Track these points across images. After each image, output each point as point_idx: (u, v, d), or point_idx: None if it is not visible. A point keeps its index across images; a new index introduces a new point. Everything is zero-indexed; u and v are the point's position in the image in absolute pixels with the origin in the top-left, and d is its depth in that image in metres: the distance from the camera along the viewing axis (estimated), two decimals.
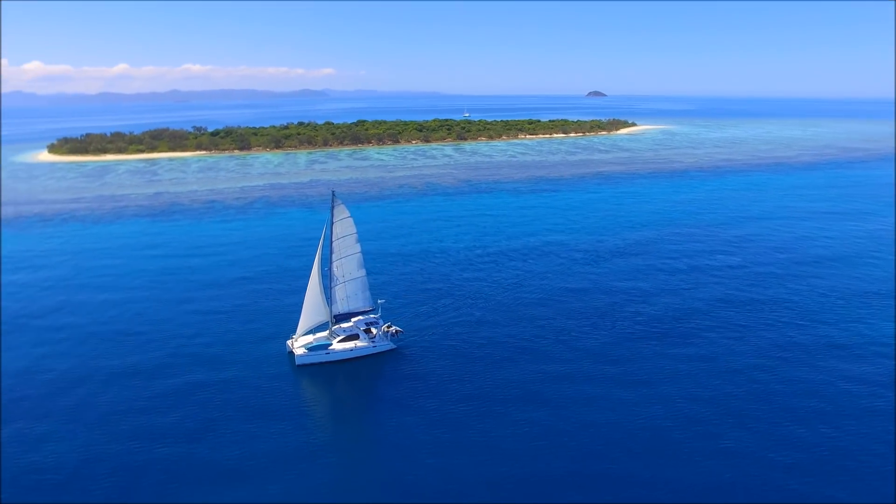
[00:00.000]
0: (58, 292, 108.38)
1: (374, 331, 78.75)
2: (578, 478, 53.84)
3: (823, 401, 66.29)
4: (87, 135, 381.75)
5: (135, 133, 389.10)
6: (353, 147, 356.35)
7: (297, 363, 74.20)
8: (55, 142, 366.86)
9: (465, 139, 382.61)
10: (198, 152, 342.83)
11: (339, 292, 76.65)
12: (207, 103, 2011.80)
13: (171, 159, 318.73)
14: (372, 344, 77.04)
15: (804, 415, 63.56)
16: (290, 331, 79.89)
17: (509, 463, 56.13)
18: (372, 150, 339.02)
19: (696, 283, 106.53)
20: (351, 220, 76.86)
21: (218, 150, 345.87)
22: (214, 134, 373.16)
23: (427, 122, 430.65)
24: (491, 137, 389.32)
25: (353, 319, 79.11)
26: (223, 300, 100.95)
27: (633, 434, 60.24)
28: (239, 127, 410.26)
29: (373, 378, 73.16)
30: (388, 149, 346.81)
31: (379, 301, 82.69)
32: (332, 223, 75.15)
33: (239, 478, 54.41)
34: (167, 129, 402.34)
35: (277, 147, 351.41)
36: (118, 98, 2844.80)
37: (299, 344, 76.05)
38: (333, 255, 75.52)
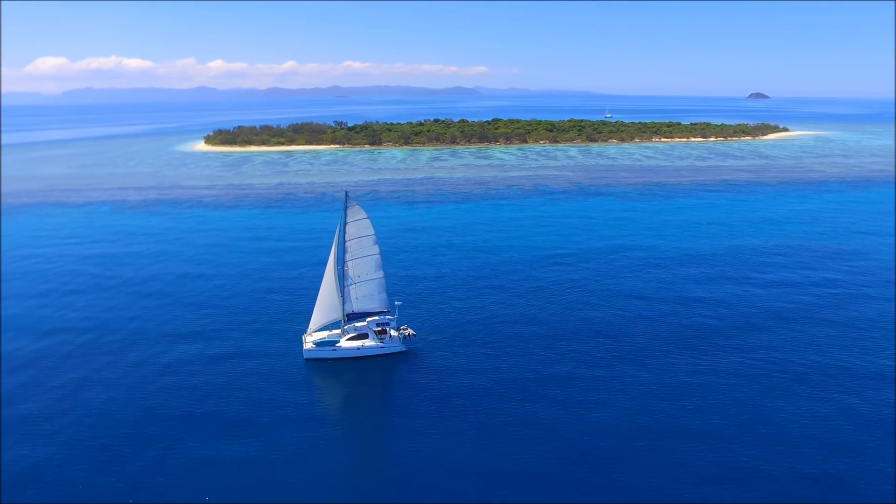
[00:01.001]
0: (161, 264, 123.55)
1: (391, 332, 78.76)
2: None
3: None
4: (239, 127, 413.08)
5: (281, 126, 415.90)
6: (480, 145, 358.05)
7: (304, 357, 76.13)
8: (211, 133, 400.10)
9: (595, 141, 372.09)
10: (332, 146, 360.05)
11: (353, 292, 77.22)
12: (363, 99, 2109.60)
13: (305, 152, 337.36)
14: (380, 344, 77.12)
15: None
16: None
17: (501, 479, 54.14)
18: (497, 150, 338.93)
19: (747, 295, 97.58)
20: (368, 221, 77.03)
21: (350, 144, 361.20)
22: (351, 129, 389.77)
23: (559, 122, 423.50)
24: (622, 140, 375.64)
25: (368, 319, 79.41)
26: (298, 281, 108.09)
27: (639, 442, 55.94)
28: (375, 123, 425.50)
29: (377, 378, 73.47)
30: (514, 148, 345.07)
31: (396, 303, 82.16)
32: (346, 223, 75.65)
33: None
34: (310, 123, 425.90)
35: (406, 143, 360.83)
36: (284, 93, 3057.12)
37: (312, 339, 77.60)
38: (347, 255, 76.16)
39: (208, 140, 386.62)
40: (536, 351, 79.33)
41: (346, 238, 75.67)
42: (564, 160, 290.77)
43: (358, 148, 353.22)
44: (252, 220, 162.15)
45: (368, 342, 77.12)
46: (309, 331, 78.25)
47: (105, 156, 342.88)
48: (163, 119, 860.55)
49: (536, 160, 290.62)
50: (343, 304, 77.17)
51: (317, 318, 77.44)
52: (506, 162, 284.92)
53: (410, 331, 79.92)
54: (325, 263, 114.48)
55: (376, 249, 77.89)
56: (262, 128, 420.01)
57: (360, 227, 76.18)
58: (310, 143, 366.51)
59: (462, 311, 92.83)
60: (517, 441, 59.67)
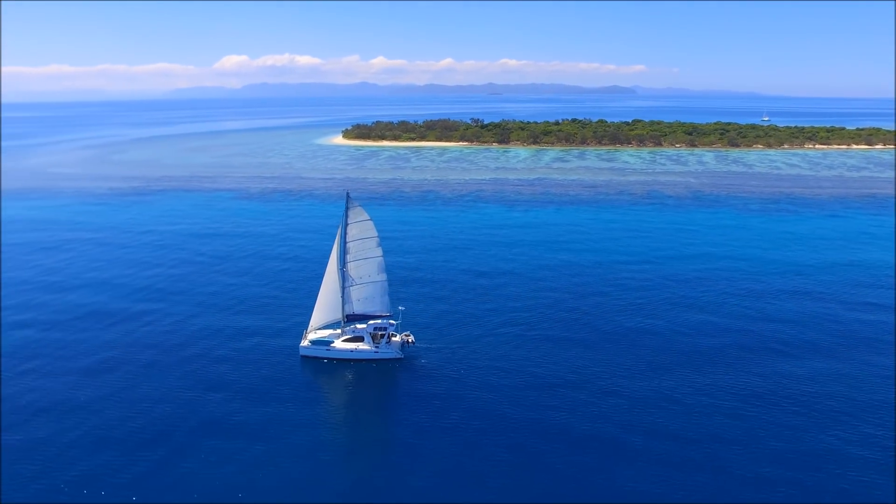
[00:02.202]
0: (248, 245, 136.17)
1: (394, 337, 77.99)
2: None
3: None
4: (376, 122, 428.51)
5: (417, 122, 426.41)
6: (610, 147, 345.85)
7: (300, 353, 77.10)
8: (349, 127, 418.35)
9: (738, 146, 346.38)
10: (461, 143, 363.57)
11: (354, 293, 76.86)
12: (515, 97, 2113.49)
13: (433, 148, 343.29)
14: (374, 349, 76.18)
15: None
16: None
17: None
18: (626, 152, 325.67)
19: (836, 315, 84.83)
20: (370, 222, 76.24)
21: (479, 142, 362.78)
22: (483, 127, 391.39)
23: (701, 124, 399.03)
24: (769, 146, 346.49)
25: (369, 322, 78.69)
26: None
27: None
28: (511, 121, 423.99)
29: (364, 382, 72.91)
30: (645, 151, 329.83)
31: (400, 308, 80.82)
32: (347, 224, 75.32)
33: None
34: (444, 120, 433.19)
35: (534, 142, 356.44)
36: (440, 90, 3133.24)
37: (312, 336, 78.40)
38: (348, 256, 75.79)
39: (345, 134, 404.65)
40: (561, 370, 75.07)
41: (348, 239, 75.56)
42: (694, 165, 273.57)
43: (486, 146, 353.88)
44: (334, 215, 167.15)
45: (363, 346, 76.52)
46: (309, 328, 79.02)
47: (250, 146, 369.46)
48: (320, 112, 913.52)
49: (663, 165, 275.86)
50: (343, 304, 77.44)
51: (316, 317, 78.23)
52: (629, 166, 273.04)
53: (411, 338, 78.40)
54: (405, 266, 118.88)
55: (379, 252, 77.22)
56: (399, 123, 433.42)
57: (362, 229, 75.91)
58: (440, 139, 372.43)
59: (491, 319, 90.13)
60: (498, 471, 56.80)
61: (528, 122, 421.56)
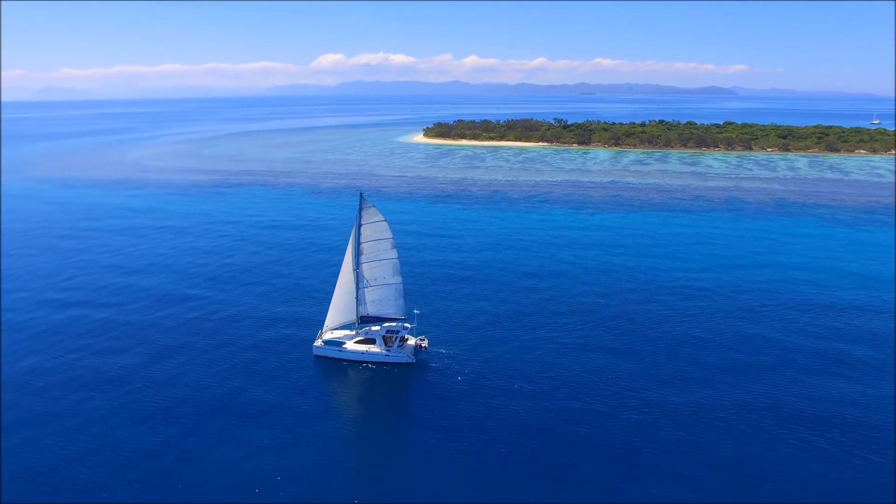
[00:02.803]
0: (301, 238, 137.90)
1: (408, 341, 76.78)
2: None
3: None
4: (458, 121, 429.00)
5: (500, 122, 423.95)
6: (695, 151, 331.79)
7: (313, 353, 77.08)
8: (431, 125, 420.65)
9: (837, 150, 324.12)
10: (540, 143, 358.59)
11: (368, 295, 75.80)
12: (608, 97, 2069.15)
13: (511, 148, 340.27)
14: (385, 352, 74.83)
15: None
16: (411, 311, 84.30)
17: None
18: (711, 156, 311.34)
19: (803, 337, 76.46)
20: (385, 223, 74.95)
21: (559, 142, 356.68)
22: (565, 127, 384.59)
23: (797, 127, 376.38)
24: (873, 151, 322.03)
25: (384, 324, 77.42)
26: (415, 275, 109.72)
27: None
28: (590, 122, 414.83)
29: (376, 385, 72.01)
30: (733, 156, 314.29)
31: (415, 311, 79.14)
32: (361, 225, 74.31)
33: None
34: (526, 120, 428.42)
35: (616, 144, 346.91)
36: (532, 89, 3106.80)
37: (327, 336, 78.15)
38: (362, 257, 74.78)
39: (426, 132, 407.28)
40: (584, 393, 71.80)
41: (361, 240, 74.67)
42: (784, 171, 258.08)
43: (565, 147, 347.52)
44: (409, 214, 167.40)
45: (373, 348, 75.56)
46: (324, 328, 78.77)
47: (333, 143, 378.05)
48: (408, 111, 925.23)
49: (749, 170, 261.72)
50: (358, 305, 76.70)
51: (331, 318, 77.95)
52: (712, 170, 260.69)
53: (425, 342, 77.03)
54: (455, 264, 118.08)
55: (394, 254, 76.00)
56: (481, 122, 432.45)
57: (376, 230, 74.84)
58: (519, 139, 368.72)
59: (525, 322, 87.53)
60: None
61: (612, 123, 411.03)
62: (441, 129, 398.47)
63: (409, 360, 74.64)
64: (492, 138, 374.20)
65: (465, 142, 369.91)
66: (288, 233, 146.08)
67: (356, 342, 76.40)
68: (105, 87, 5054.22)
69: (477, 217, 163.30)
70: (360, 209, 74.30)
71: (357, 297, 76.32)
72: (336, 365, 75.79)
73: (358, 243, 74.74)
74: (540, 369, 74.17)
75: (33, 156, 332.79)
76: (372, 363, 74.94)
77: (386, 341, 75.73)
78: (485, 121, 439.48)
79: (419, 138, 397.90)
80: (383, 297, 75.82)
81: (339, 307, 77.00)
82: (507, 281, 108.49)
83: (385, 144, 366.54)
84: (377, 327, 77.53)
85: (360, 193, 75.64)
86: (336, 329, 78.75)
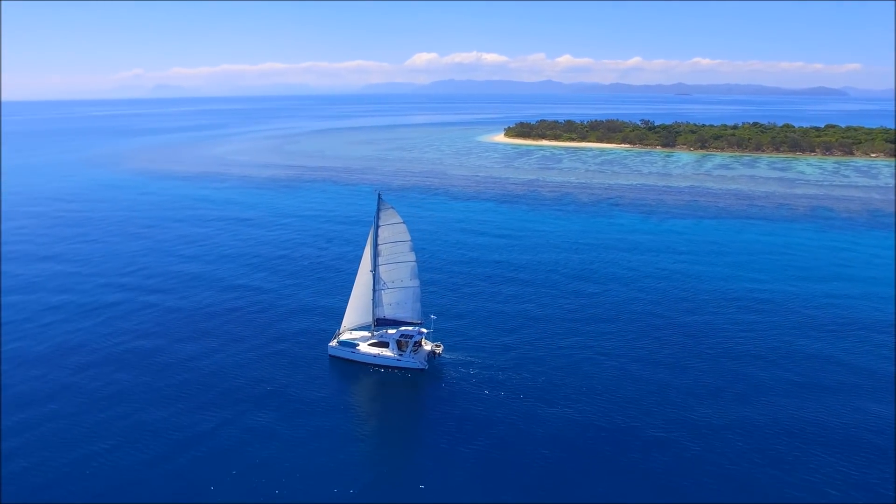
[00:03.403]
0: (348, 236, 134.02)
1: (427, 345, 75.22)
2: None
3: None
4: (540, 121, 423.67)
5: (583, 122, 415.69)
6: (788, 155, 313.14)
7: (329, 353, 76.77)
8: (513, 125, 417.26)
9: None
10: (622, 145, 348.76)
11: (385, 297, 74.58)
12: (705, 98, 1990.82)
13: (590, 149, 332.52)
14: (397, 357, 73.15)
15: None
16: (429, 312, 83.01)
17: None
18: (805, 161, 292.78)
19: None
20: (403, 225, 73.43)
21: (642, 144, 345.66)
22: (651, 129, 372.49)
23: None
24: None
25: (401, 328, 75.93)
26: (454, 275, 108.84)
27: None
28: (678, 123, 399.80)
29: (384, 389, 70.99)
30: (830, 161, 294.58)
31: (432, 317, 76.99)
32: (378, 226, 73.13)
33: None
34: (611, 121, 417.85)
35: (702, 147, 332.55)
36: (626, 89, 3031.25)
37: (345, 336, 77.49)
38: (379, 259, 73.60)
39: (507, 132, 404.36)
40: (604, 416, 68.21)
41: (379, 241, 73.63)
42: (886, 179, 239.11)
43: (648, 149, 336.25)
44: (472, 214, 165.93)
45: (386, 352, 74.27)
46: (342, 328, 78.15)
47: (413, 141, 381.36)
48: (496, 109, 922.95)
49: (846, 177, 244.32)
50: (374, 307, 75.74)
51: (348, 319, 77.39)
52: (803, 177, 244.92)
53: (440, 349, 75.28)
54: (505, 264, 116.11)
55: (412, 256, 74.59)
56: (564, 123, 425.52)
57: (394, 232, 73.59)
58: (600, 140, 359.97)
59: (559, 328, 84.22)
60: None
61: (701, 126, 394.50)
62: (522, 129, 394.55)
63: (422, 367, 72.87)
64: (573, 139, 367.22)
65: (545, 142, 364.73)
66: (349, 229, 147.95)
67: (370, 344, 75.72)
68: (210, 84, 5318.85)
69: (539, 219, 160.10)
70: (378, 210, 73.40)
71: (374, 299, 75.63)
72: (350, 366, 75.53)
73: (376, 244, 74.04)
74: (562, 378, 71.36)
75: (134, 149, 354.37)
76: (384, 367, 73.92)
77: (399, 346, 74.37)
78: (568, 121, 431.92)
79: (499, 138, 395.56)
80: (400, 300, 74.82)
81: (356, 308, 76.67)
82: (554, 283, 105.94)
83: (464, 143, 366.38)
84: (393, 331, 76.54)
85: (378, 194, 74.50)
86: (354, 330, 78.44)
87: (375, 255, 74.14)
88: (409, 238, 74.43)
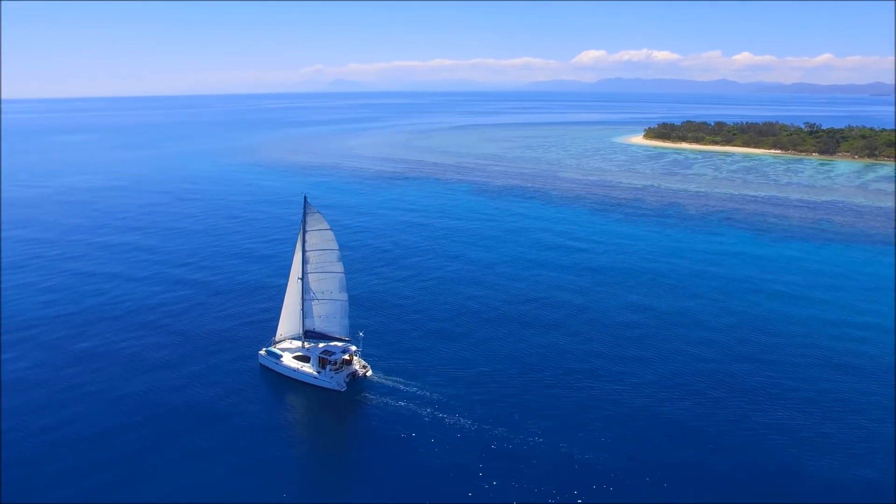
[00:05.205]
0: (432, 237, 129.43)
1: (355, 363, 69.70)
2: None
3: None
4: (686, 122, 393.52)
5: (739, 124, 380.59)
6: None
7: (259, 361, 72.89)
8: (654, 126, 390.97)
9: None
10: (772, 151, 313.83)
11: (315, 308, 68.47)
12: None
13: (731, 154, 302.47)
14: (314, 374, 67.57)
15: None
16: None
17: None
18: None
19: None
20: (330, 232, 67.04)
21: (795, 150, 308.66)
22: (812, 133, 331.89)
23: None
24: None
25: (333, 343, 69.78)
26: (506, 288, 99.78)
27: None
28: (850, 127, 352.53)
29: (290, 411, 66.00)
30: None
31: (360, 334, 70.36)
32: (305, 231, 67.38)
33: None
34: (770, 123, 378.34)
35: (870, 156, 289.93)
36: (810, 89, 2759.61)
37: (284, 345, 73.32)
38: (308, 266, 67.74)
39: (647, 133, 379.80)
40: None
41: (307, 247, 67.52)
42: None
43: (801, 156, 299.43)
44: (554, 223, 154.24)
45: (306, 367, 68.71)
46: (277, 336, 73.76)
47: (542, 140, 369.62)
48: (655, 109, 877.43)
49: None
50: (304, 318, 69.53)
51: (281, 327, 72.82)
52: None
53: (369, 371, 68.89)
54: (552, 285, 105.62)
55: (340, 267, 68.03)
56: (715, 124, 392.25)
57: (322, 239, 67.20)
58: (747, 145, 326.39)
59: (561, 363, 72.56)
60: None
61: (879, 130, 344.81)
62: (662, 131, 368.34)
63: (338, 388, 66.94)
64: (716, 142, 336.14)
65: (684, 145, 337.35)
66: (419, 230, 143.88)
67: (294, 357, 71.00)
68: (383, 80, 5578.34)
69: (628, 232, 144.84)
70: (305, 213, 67.89)
71: (303, 310, 70.14)
72: (273, 376, 71.40)
73: (304, 251, 68.51)
74: (540, 417, 61.47)
75: (279, 139, 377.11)
76: (302, 383, 69.00)
77: (321, 362, 68.61)
78: (718, 122, 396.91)
79: (637, 139, 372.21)
80: (329, 313, 69.07)
81: (287, 317, 72.14)
82: (594, 310, 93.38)
83: (595, 144, 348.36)
84: (323, 344, 71.04)
85: (304, 197, 69.45)
86: (292, 339, 73.72)
87: (304, 261, 68.53)
88: (336, 247, 68.67)
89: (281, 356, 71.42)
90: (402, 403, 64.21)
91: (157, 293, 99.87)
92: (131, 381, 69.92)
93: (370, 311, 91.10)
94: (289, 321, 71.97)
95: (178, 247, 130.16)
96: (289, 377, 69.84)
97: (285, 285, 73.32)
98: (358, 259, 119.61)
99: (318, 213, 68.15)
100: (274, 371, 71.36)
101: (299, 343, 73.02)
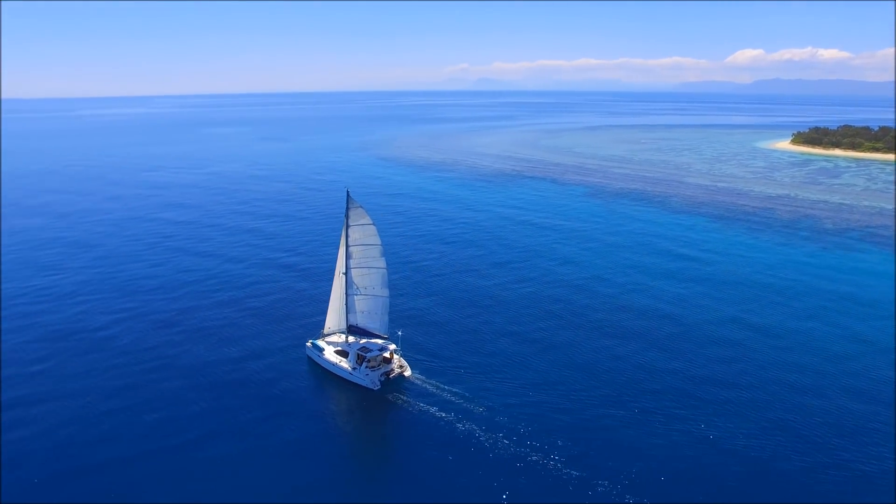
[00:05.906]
0: (522, 239, 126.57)
1: (398, 362, 69.61)
2: None
3: None
4: (844, 126, 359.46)
5: None
6: None
7: (306, 353, 74.00)
8: (805, 130, 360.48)
9: None
10: None
11: (357, 304, 68.22)
12: None
13: (892, 163, 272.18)
14: (350, 370, 67.14)
15: None
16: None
17: None
18: None
19: None
20: (373, 227, 66.29)
21: None
22: None
23: None
24: None
25: (373, 339, 69.32)
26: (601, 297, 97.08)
27: None
28: None
29: (333, 402, 66.81)
30: None
31: (398, 332, 69.65)
32: (348, 226, 67.17)
33: None
34: None
35: None
36: None
37: (332, 338, 73.95)
38: (351, 261, 67.60)
39: (794, 138, 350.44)
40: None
41: (350, 242, 67.20)
42: None
43: None
44: (668, 229, 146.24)
45: (344, 363, 68.56)
46: (325, 329, 74.54)
47: (676, 143, 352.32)
48: (813, 113, 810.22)
49: None
50: (347, 313, 69.22)
51: (328, 321, 73.18)
52: None
53: (407, 371, 68.39)
54: (640, 290, 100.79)
55: (383, 263, 67.45)
56: (879, 129, 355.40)
57: (364, 233, 66.60)
58: None
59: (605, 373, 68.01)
60: None
61: None
62: (813, 136, 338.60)
63: (371, 386, 66.59)
64: (877, 149, 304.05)
65: (837, 151, 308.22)
66: (528, 231, 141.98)
67: (336, 351, 71.60)
68: (527, 79, 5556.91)
69: (747, 243, 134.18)
70: (347, 208, 67.81)
71: (346, 304, 70.16)
72: (317, 368, 72.83)
73: (347, 245, 68.57)
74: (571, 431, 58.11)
75: (411, 135, 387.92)
76: (338, 377, 69.62)
77: (359, 359, 68.58)
78: (883, 127, 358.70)
79: (782, 145, 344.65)
80: (371, 308, 68.82)
81: (333, 311, 72.60)
82: (686, 336, 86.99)
83: (733, 149, 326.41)
84: (364, 341, 71.02)
85: (347, 192, 69.19)
86: (341, 332, 74.44)
87: (347, 256, 68.90)
88: (379, 242, 68.21)
89: (324, 349, 72.70)
90: (434, 409, 62.31)
91: (249, 273, 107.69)
92: (196, 349, 76.33)
93: (448, 307, 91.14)
94: (335, 315, 73.01)
95: (284, 231, 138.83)
96: (326, 370, 71.24)
97: None
98: (448, 252, 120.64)
99: (361, 207, 68.37)
100: (315, 362, 73.08)
101: (344, 337, 73.96)
